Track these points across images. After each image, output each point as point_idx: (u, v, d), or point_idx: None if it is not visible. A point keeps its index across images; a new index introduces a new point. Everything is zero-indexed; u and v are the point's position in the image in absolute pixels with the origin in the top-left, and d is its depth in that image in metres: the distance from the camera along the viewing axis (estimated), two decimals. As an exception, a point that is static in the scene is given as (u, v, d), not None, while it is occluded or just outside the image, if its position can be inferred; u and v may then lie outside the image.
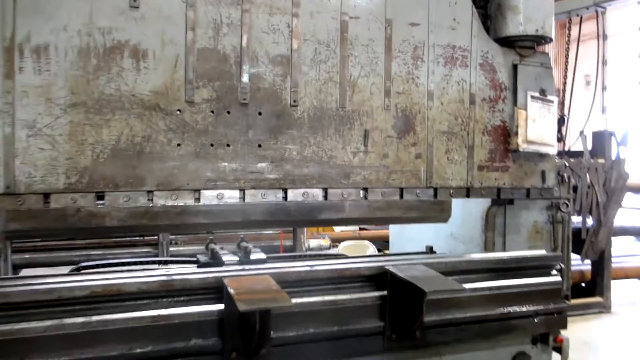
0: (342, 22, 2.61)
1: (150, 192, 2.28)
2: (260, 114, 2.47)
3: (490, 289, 2.78)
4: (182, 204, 2.35)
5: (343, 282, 2.51)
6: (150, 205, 2.30)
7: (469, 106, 2.91)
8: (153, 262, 3.90)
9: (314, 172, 2.57)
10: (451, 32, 2.86)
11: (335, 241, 7.93)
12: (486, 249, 3.29)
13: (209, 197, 2.39)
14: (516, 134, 2.97)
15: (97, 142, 2.20)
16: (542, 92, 3.03)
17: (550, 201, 3.35)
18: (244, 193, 2.45)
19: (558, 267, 3.02)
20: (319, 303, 2.40)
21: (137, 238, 5.96)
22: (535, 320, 2.87)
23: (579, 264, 5.90)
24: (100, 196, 2.22)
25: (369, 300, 2.50)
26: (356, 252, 7.29)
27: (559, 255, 3.08)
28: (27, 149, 2.10)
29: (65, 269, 4.06)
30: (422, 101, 2.80)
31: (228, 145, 2.41)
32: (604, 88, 12.55)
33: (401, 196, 2.77)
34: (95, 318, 2.05)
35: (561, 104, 4.43)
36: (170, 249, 5.96)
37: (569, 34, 3.56)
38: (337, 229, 8.76)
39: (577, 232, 5.53)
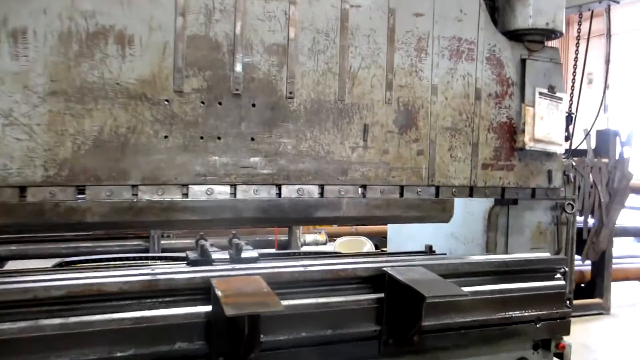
0: (343, 11, 2.52)
1: (134, 186, 2.20)
2: (253, 105, 2.38)
3: (492, 292, 2.74)
4: (168, 199, 2.28)
5: (338, 284, 2.46)
6: (135, 200, 2.23)
7: (474, 102, 2.84)
8: (140, 259, 3.77)
9: (310, 167, 2.49)
10: (457, 24, 2.78)
11: (332, 236, 7.84)
12: (488, 249, 3.24)
13: (197, 192, 2.31)
14: (523, 131, 2.90)
15: (78, 133, 2.11)
16: (551, 88, 2.95)
17: (554, 202, 3.28)
18: (235, 189, 2.37)
19: (562, 270, 2.93)
20: (313, 305, 2.33)
21: (127, 230, 5.84)
22: (538, 326, 2.83)
23: (579, 264, 5.91)
24: (81, 190, 2.13)
25: (365, 302, 2.44)
26: (353, 249, 7.22)
27: (564, 259, 3.03)
28: (2, 139, 2.01)
29: (52, 262, 3.95)
30: (426, 95, 2.72)
31: (219, 138, 2.33)
32: (606, 87, 12.51)
33: (401, 194, 2.70)
34: (73, 319, 1.98)
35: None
36: (162, 242, 5.84)
37: (580, 28, 3.44)
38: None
39: (578, 232, 5.46)
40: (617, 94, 14.77)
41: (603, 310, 5.90)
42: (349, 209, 2.79)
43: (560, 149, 3.03)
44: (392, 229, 4.24)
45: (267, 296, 2.05)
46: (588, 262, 5.95)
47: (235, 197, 2.37)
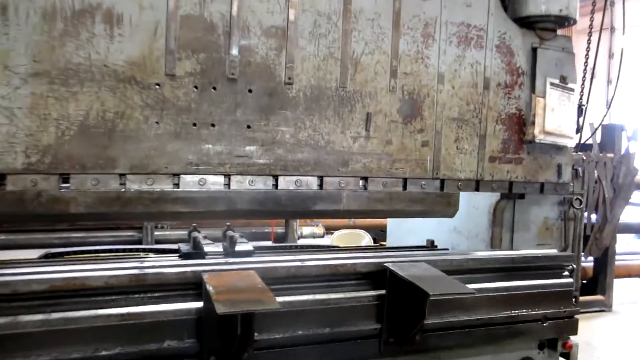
0: (346, -8, 2.41)
1: (122, 175, 2.11)
2: (250, 91, 2.29)
3: (497, 290, 2.68)
4: (158, 189, 2.18)
5: (337, 280, 2.40)
6: (123, 190, 2.13)
7: (482, 91, 2.75)
8: (131, 251, 3.66)
9: (309, 157, 2.41)
10: (466, 9, 2.68)
11: (329, 229, 7.74)
12: (493, 245, 3.17)
13: (189, 182, 2.22)
14: (532, 123, 2.81)
15: (62, 118, 2.01)
16: (563, 79, 2.85)
17: (562, 197, 3.18)
18: (229, 179, 2.29)
19: (570, 267, 2.84)
20: (310, 302, 2.26)
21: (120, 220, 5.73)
22: (544, 325, 2.77)
23: (582, 261, 5.77)
24: (65, 179, 2.04)
25: (365, 299, 2.37)
26: (351, 242, 7.13)
27: (572, 256, 2.94)
28: None
29: (40, 253, 3.84)
30: (432, 84, 2.63)
31: (213, 125, 2.24)
32: (609, 81, 12.42)
33: (404, 187, 2.63)
34: (55, 315, 1.89)
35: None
36: (156, 233, 5.75)
37: (592, 17, 3.32)
38: (332, 217, 8.56)
39: (582, 229, 5.40)
40: (622, 88, 14.65)
41: (605, 307, 5.88)
42: (349, 202, 2.68)
43: (571, 142, 2.94)
44: (391, 222, 4.19)
45: (261, 292, 1.96)
46: (590, 258, 5.90)
47: (229, 188, 2.29)
